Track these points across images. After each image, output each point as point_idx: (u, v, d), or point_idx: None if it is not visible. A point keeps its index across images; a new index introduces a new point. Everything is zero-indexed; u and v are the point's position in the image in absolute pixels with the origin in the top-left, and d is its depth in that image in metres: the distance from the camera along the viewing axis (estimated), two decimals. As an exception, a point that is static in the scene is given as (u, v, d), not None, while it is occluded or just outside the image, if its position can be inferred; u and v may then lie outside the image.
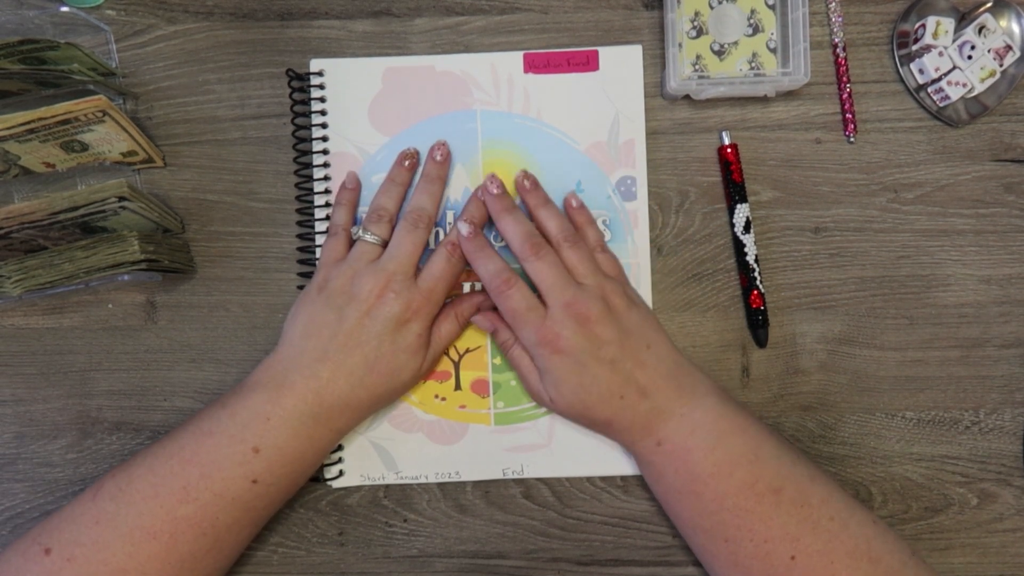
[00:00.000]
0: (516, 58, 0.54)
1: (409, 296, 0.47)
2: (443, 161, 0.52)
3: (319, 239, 0.53)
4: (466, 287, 0.53)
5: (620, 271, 0.51)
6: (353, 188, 0.52)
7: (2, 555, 0.44)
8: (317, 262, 0.52)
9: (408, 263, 0.48)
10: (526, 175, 0.52)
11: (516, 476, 0.53)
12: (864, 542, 0.44)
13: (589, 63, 0.54)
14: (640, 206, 0.54)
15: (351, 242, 0.51)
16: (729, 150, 0.53)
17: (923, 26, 0.53)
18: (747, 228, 0.53)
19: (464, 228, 0.49)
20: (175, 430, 0.47)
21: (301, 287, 0.53)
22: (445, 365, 0.54)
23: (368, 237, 0.49)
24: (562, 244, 0.49)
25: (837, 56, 0.54)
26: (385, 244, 0.49)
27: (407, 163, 0.52)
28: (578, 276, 0.48)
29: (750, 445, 0.46)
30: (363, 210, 0.53)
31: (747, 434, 0.47)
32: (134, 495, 0.44)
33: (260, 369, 0.48)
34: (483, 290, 0.52)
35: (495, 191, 0.50)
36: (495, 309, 0.50)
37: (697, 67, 0.53)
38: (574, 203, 0.52)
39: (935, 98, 0.53)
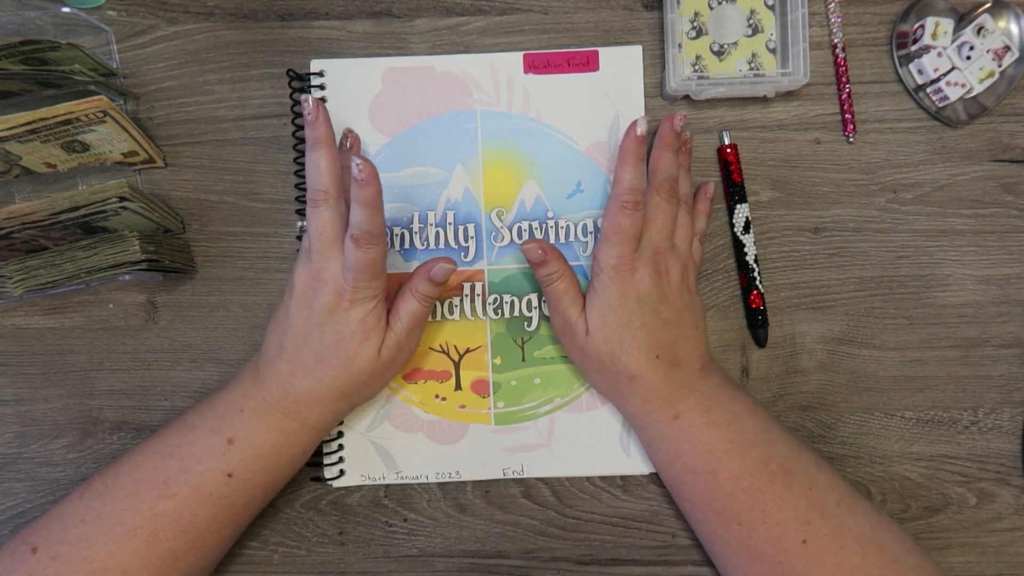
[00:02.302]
0: (516, 58, 0.54)
1: (338, 284, 0.45)
2: (314, 120, 0.45)
3: (319, 239, 0.53)
4: (467, 288, 0.53)
5: (700, 263, 0.52)
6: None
7: None
8: None
9: (326, 246, 0.45)
10: (684, 128, 0.51)
11: (516, 476, 0.53)
12: (870, 528, 0.45)
13: (589, 63, 0.54)
14: (640, 206, 0.54)
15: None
16: (729, 150, 0.53)
17: (922, 27, 0.53)
18: (747, 228, 0.53)
19: (642, 126, 0.48)
20: (163, 426, 0.48)
21: (301, 287, 0.54)
22: (445, 365, 0.54)
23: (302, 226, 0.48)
24: (682, 204, 0.50)
25: (836, 56, 0.54)
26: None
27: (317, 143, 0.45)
28: (676, 237, 0.49)
29: (762, 426, 0.47)
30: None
31: (758, 416, 0.48)
32: (118, 491, 0.44)
33: (245, 365, 0.49)
34: (435, 259, 0.49)
35: (679, 128, 0.50)
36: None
37: (697, 67, 0.54)
38: (709, 194, 0.53)
39: (934, 98, 0.53)
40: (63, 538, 0.44)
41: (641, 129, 0.48)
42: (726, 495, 0.46)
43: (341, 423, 0.53)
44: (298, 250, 0.54)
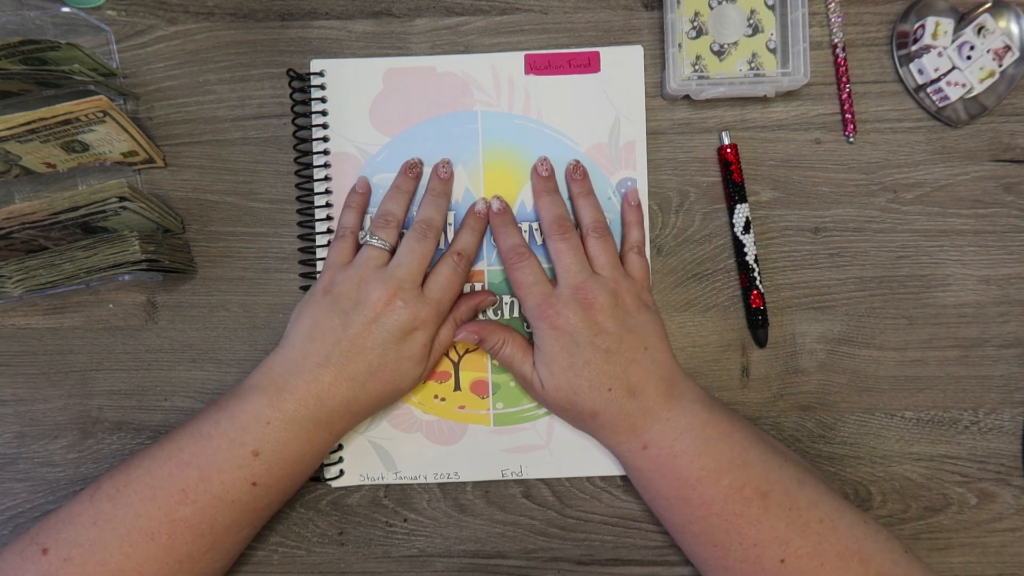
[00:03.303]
0: (517, 59, 0.54)
1: (417, 306, 0.47)
2: (447, 178, 0.52)
3: (320, 239, 0.53)
4: (465, 288, 0.53)
5: (645, 276, 0.51)
6: (363, 192, 0.52)
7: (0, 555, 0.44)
8: (323, 264, 0.52)
9: (417, 272, 0.48)
10: (578, 165, 0.53)
11: (515, 477, 0.53)
12: (854, 543, 0.44)
13: (590, 64, 0.54)
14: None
15: (358, 246, 0.51)
16: (729, 150, 0.53)
17: (922, 27, 0.53)
18: (747, 228, 0.53)
19: (496, 203, 0.52)
20: (174, 431, 0.47)
21: (303, 287, 0.54)
22: (445, 366, 0.54)
23: (376, 242, 0.49)
24: (590, 233, 0.50)
25: (837, 56, 0.54)
26: (392, 250, 0.49)
27: (412, 173, 0.52)
28: (597, 267, 0.49)
29: (737, 451, 0.46)
30: (371, 210, 0.53)
31: (734, 440, 0.46)
32: (132, 496, 0.44)
33: (260, 371, 0.48)
34: (478, 292, 0.53)
35: (544, 174, 0.52)
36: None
37: (697, 67, 0.54)
38: (632, 201, 0.53)
39: (934, 98, 0.53)
40: (75, 540, 0.43)
41: (496, 205, 0.52)
42: (700, 519, 0.46)
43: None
44: (321, 262, 0.54)
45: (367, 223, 0.53)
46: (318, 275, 0.52)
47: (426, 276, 0.49)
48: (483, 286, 0.54)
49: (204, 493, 0.44)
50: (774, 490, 0.45)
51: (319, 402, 0.46)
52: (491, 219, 0.52)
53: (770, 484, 0.45)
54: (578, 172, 0.52)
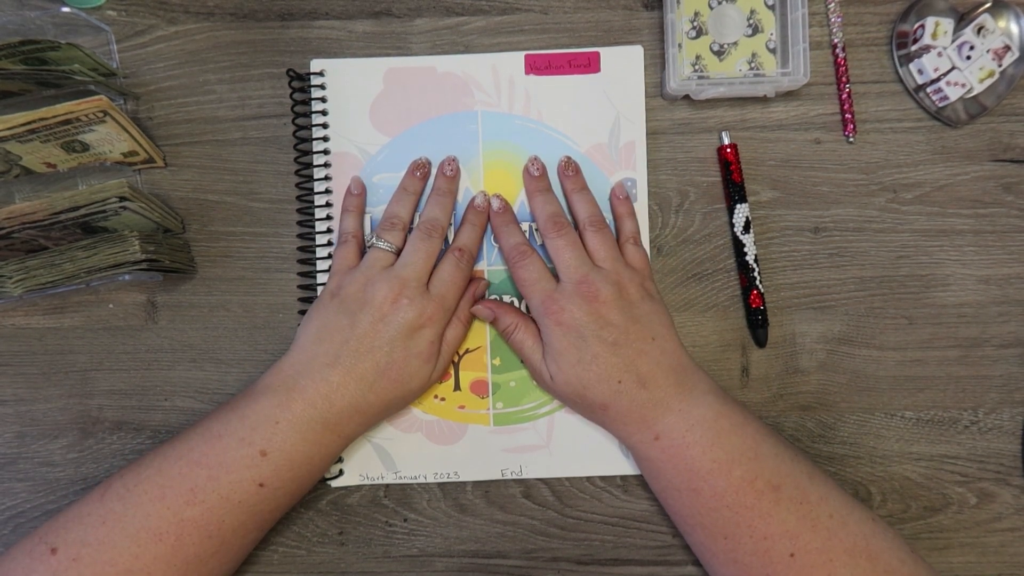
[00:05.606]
0: (518, 59, 0.54)
1: (423, 303, 0.48)
2: (453, 176, 0.52)
3: (319, 239, 0.53)
4: None
5: (646, 265, 0.51)
6: (359, 194, 0.53)
7: (8, 553, 0.44)
8: (328, 269, 0.52)
9: (422, 270, 0.48)
10: (569, 161, 0.53)
11: (515, 477, 0.53)
12: (862, 539, 0.44)
13: (591, 65, 0.54)
14: (640, 208, 0.54)
15: (362, 249, 0.51)
16: (729, 150, 0.53)
17: (922, 26, 0.53)
18: (747, 228, 0.53)
19: (496, 202, 0.52)
20: (185, 431, 0.47)
21: (302, 287, 0.54)
22: (445, 365, 0.54)
23: (382, 244, 0.49)
24: (587, 228, 0.50)
25: (836, 56, 0.54)
26: (398, 252, 0.50)
27: (419, 173, 0.52)
28: (597, 260, 0.49)
29: (749, 443, 0.46)
30: (370, 210, 0.53)
31: (746, 432, 0.47)
32: (141, 496, 0.44)
33: (271, 373, 0.48)
34: (471, 282, 0.53)
35: (536, 173, 0.52)
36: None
37: (697, 67, 0.54)
38: (620, 195, 0.53)
39: (934, 98, 0.53)
40: (83, 540, 0.43)
41: (496, 204, 0.52)
42: (711, 511, 0.46)
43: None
44: (328, 264, 0.54)
45: (367, 224, 0.53)
46: (323, 280, 0.53)
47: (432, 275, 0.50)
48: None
49: (212, 493, 0.44)
50: (785, 484, 0.45)
51: (327, 402, 0.46)
52: (492, 219, 0.52)
53: (781, 477, 0.45)
54: (570, 168, 0.53)
